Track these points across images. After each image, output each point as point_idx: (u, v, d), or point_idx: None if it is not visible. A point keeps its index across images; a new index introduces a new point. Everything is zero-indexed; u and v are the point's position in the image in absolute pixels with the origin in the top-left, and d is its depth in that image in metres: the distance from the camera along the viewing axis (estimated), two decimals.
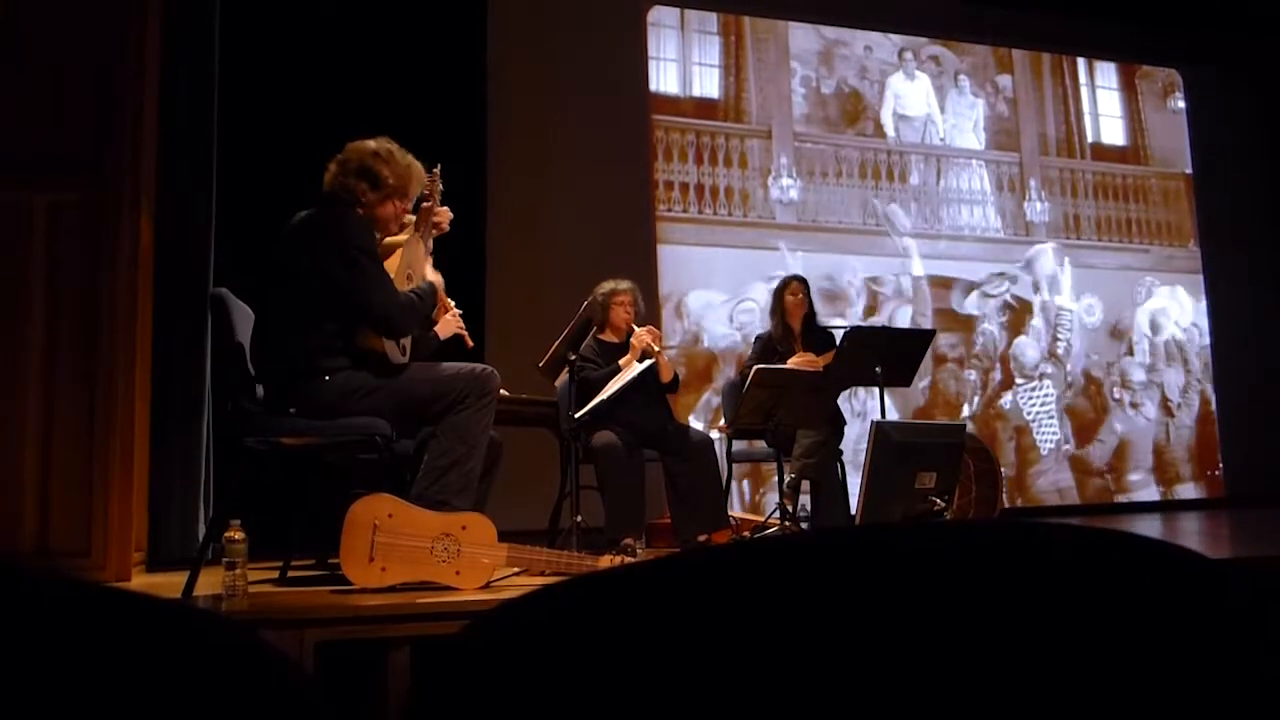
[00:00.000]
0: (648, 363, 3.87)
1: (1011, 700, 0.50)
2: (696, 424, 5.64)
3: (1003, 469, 6.62)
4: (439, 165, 2.95)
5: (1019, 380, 6.85)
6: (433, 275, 3.00)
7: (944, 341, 6.63)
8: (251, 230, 3.08)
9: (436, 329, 3.22)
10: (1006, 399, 6.81)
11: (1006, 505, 6.60)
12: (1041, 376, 6.90)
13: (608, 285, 4.15)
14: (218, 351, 3.40)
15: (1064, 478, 6.85)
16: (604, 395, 3.78)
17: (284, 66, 5.00)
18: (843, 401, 4.66)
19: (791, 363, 4.28)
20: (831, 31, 6.75)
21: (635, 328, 4.02)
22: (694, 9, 6.42)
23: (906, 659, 0.49)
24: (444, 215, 3.03)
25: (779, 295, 4.56)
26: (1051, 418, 6.86)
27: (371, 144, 2.83)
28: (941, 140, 6.94)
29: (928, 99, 6.96)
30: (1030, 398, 6.86)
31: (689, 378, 5.83)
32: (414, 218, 3.01)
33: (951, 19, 6.98)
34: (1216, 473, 7.22)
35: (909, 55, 6.94)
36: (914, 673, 0.49)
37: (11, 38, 3.10)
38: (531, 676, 0.49)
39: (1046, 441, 6.82)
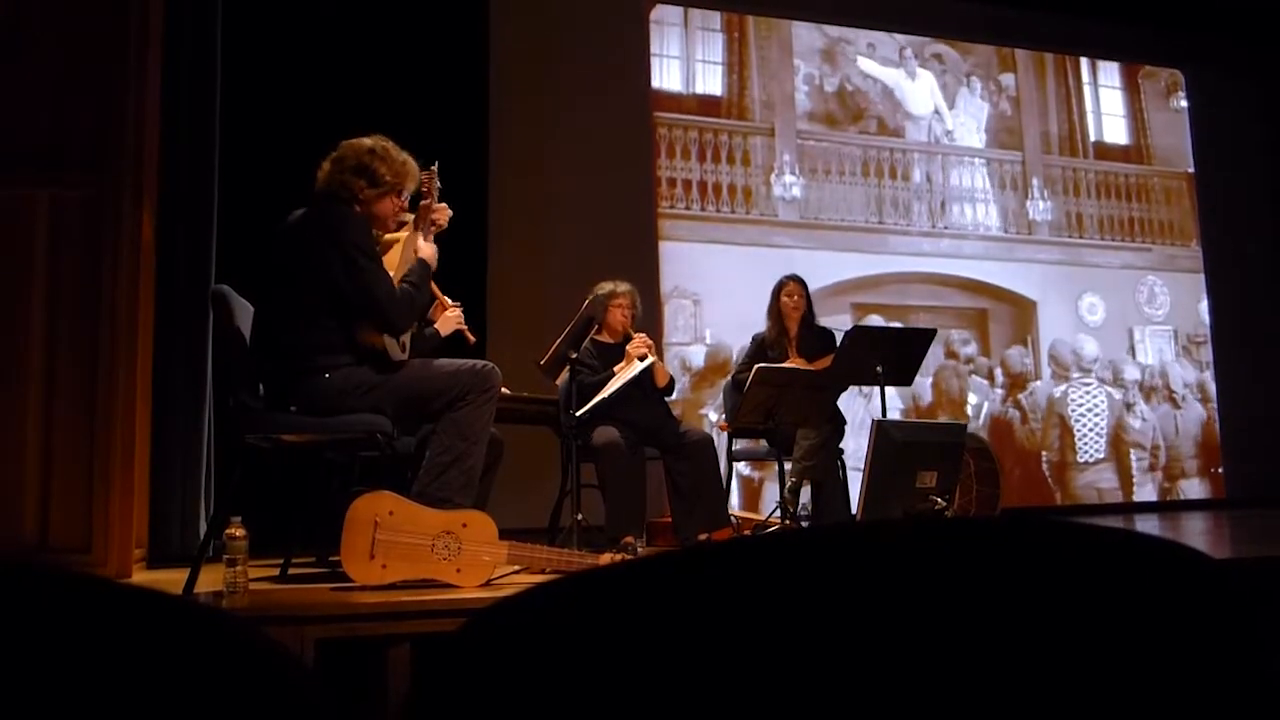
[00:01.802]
0: (647, 362, 3.88)
1: (1011, 697, 0.50)
2: (711, 416, 5.67)
3: (1045, 454, 6.69)
4: (436, 163, 2.94)
5: (1075, 374, 6.92)
6: (426, 250, 2.92)
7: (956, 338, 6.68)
8: (253, 227, 3.08)
9: (437, 326, 3.22)
10: (1058, 389, 6.88)
11: (1060, 501, 6.68)
12: (1100, 381, 6.98)
13: (607, 286, 4.16)
14: (219, 348, 3.41)
15: (1106, 477, 6.92)
16: (605, 394, 3.79)
17: (286, 64, 5.00)
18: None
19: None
20: (835, 29, 6.75)
21: (631, 334, 4.02)
22: (697, 7, 6.42)
23: (907, 656, 0.49)
24: (442, 212, 3.01)
25: (775, 297, 4.52)
26: (1100, 434, 6.92)
27: (368, 141, 2.83)
28: (949, 132, 6.94)
29: (932, 95, 6.96)
30: (1081, 395, 6.93)
31: (705, 372, 5.86)
32: (413, 216, 3.01)
33: (955, 18, 6.97)
34: (1217, 470, 7.23)
35: (909, 53, 6.94)
36: (914, 670, 0.49)
37: (12, 36, 3.10)
38: (529, 674, 0.49)
39: (1085, 452, 6.87)
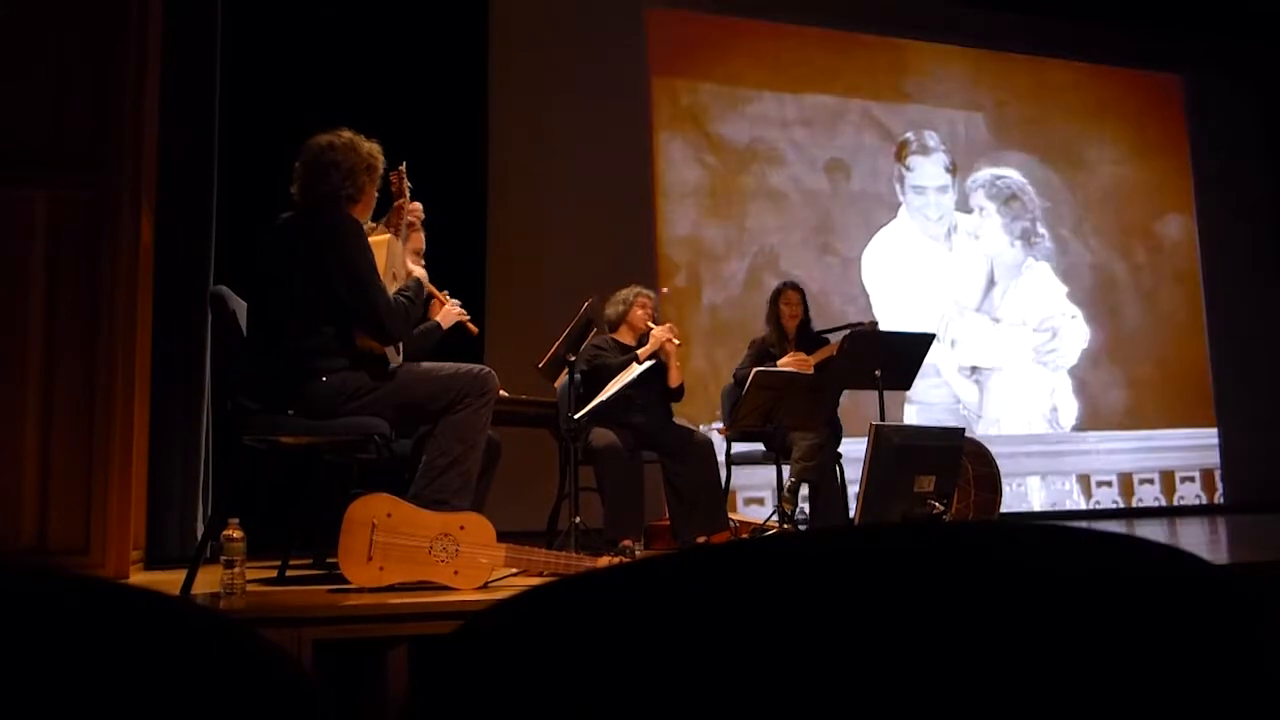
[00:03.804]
0: (649, 363, 3.88)
1: (1011, 703, 0.50)
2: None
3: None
4: (404, 162, 2.96)
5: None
6: (418, 273, 3.01)
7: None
8: (252, 229, 3.09)
9: (438, 318, 3.26)
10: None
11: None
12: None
13: (635, 287, 4.25)
14: (217, 350, 3.41)
15: None
16: (603, 396, 3.79)
17: (285, 65, 5.00)
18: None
19: (782, 363, 4.29)
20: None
21: (653, 324, 4.08)
22: (691, 10, 6.42)
23: (905, 661, 0.49)
24: (415, 210, 3.05)
25: (774, 303, 4.56)
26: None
27: (349, 139, 2.81)
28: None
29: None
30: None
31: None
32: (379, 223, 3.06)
33: (952, 22, 6.98)
34: (1215, 475, 7.23)
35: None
36: (912, 674, 0.49)
37: (12, 36, 3.10)
38: (525, 676, 0.49)
39: None
